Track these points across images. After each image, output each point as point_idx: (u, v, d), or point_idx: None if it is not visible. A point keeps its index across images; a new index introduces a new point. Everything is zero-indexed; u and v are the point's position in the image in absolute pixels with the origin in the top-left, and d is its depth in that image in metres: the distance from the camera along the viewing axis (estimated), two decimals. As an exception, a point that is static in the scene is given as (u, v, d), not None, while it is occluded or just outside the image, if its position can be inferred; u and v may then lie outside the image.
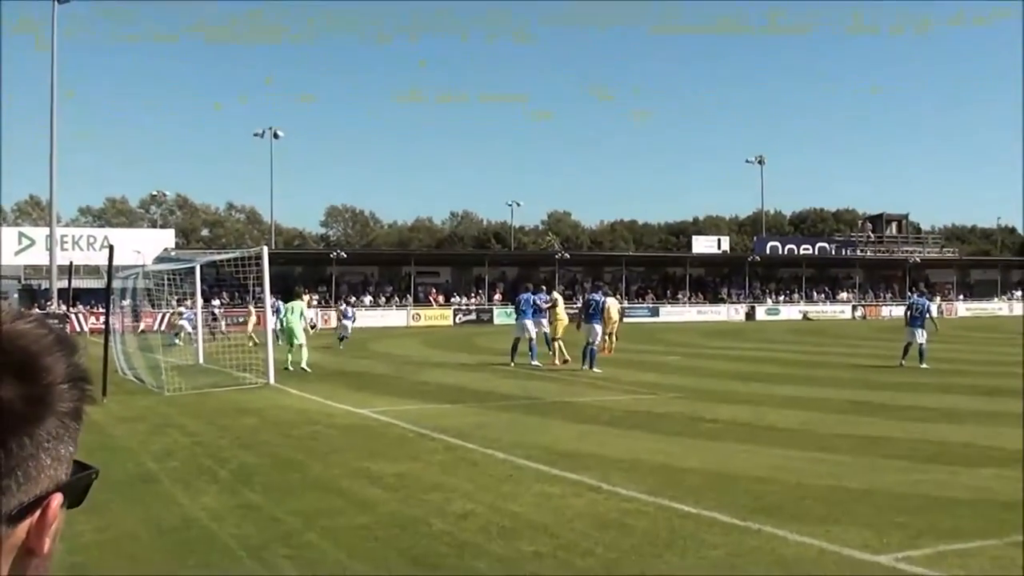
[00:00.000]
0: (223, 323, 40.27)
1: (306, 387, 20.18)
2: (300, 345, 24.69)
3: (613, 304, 27.70)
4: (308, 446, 12.36)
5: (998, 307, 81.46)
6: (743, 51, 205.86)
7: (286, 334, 25.70)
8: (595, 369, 23.40)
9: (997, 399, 16.96)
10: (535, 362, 25.46)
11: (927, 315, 25.34)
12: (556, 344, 26.38)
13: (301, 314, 25.58)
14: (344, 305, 45.47)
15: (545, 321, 27.11)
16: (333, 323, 60.94)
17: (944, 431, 13.20)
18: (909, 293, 35.75)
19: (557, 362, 25.72)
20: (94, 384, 1.18)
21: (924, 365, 23.98)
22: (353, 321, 40.46)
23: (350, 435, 13.34)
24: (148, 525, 8.18)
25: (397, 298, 69.70)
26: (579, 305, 27.48)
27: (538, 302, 27.39)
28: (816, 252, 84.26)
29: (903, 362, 24.75)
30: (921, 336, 24.83)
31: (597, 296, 25.34)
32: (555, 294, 28.71)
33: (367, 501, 9.03)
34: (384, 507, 8.75)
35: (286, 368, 22.94)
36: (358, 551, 7.26)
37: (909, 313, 25.99)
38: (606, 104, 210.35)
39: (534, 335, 26.31)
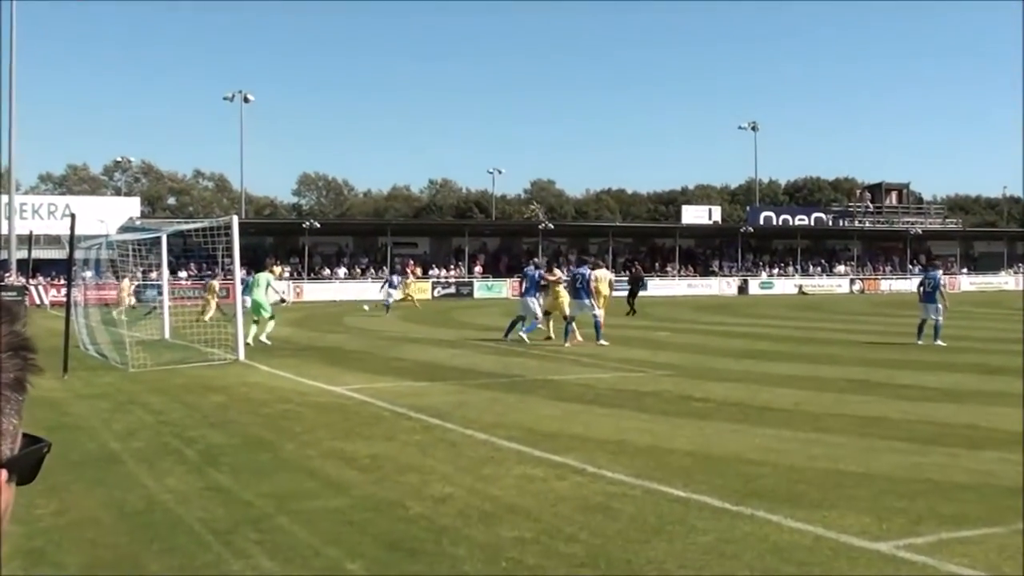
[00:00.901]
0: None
1: (277, 363, 20.14)
2: (267, 318, 25.03)
3: (603, 276, 27.58)
4: (279, 425, 12.33)
5: (1003, 281, 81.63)
6: (736, 12, 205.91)
7: (252, 308, 25.68)
8: (601, 342, 23.72)
9: (1000, 378, 17.00)
10: (524, 335, 25.44)
11: (941, 289, 25.14)
12: (549, 321, 26.27)
13: (268, 286, 25.59)
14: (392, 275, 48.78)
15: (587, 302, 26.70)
16: (307, 296, 61.05)
17: (945, 411, 13.21)
18: (921, 267, 35.75)
19: (568, 342, 24.70)
20: (37, 353, 1.13)
21: (939, 342, 23.96)
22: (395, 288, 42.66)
23: (323, 414, 13.31)
24: (110, 508, 8.13)
25: (373, 270, 69.59)
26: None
27: (541, 276, 27.37)
28: (812, 223, 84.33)
29: (919, 340, 24.61)
30: (936, 312, 24.71)
31: (583, 270, 25.34)
32: (557, 271, 28.09)
33: (341, 483, 9.00)
34: (359, 489, 8.72)
35: (248, 344, 22.84)
36: (331, 535, 7.23)
37: (922, 288, 25.74)
38: (591, 68, 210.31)
39: (540, 314, 26.03)
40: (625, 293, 42.24)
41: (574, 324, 25.12)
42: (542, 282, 26.75)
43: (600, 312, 24.72)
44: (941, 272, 26.08)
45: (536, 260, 31.05)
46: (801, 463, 9.71)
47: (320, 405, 14.19)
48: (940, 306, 24.64)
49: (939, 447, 10.56)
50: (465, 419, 12.60)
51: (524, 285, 27.16)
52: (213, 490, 8.74)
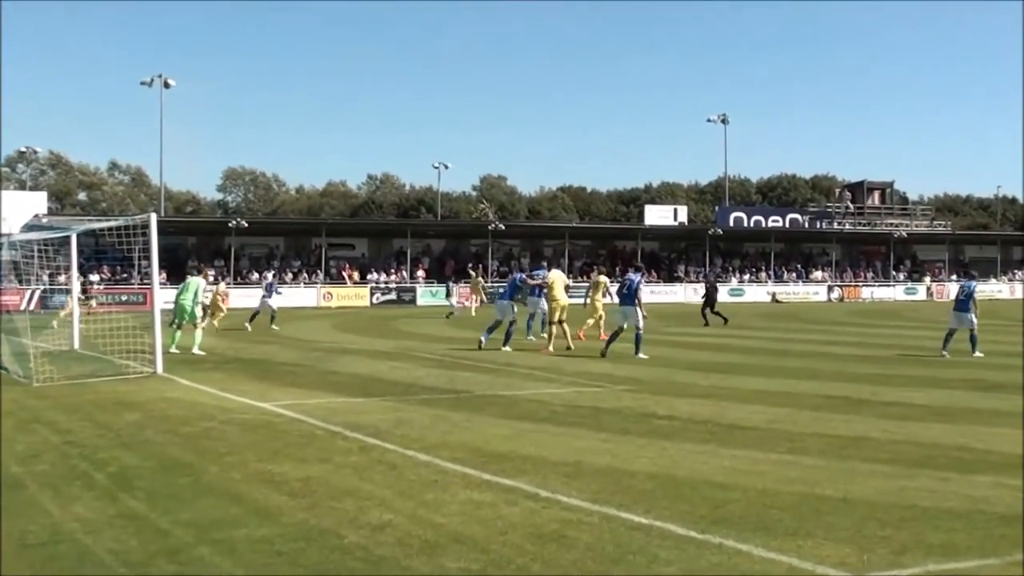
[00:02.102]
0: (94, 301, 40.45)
1: (199, 377, 20.00)
2: (195, 326, 25.80)
3: (559, 278, 28.08)
4: (201, 445, 12.23)
5: (996, 289, 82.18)
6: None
7: (177, 314, 26.07)
8: (641, 355, 24.09)
9: (995, 395, 17.22)
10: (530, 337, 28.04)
11: (975, 298, 25.73)
12: (552, 328, 27.44)
13: (196, 293, 25.95)
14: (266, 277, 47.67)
15: (542, 301, 28.99)
16: (234, 302, 60.58)
17: (934, 431, 13.31)
18: (959, 275, 36.36)
19: (551, 347, 26.67)
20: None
21: (978, 354, 24.48)
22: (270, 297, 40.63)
23: (250, 433, 13.21)
24: (10, 539, 8.01)
25: (306, 274, 69.32)
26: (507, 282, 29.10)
27: (521, 280, 29.80)
28: (787, 224, 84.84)
29: (945, 352, 25.00)
30: (970, 322, 25.21)
31: (635, 276, 26.20)
32: (550, 272, 28.97)
33: (269, 509, 8.93)
34: (289, 517, 8.66)
35: (172, 351, 22.77)
36: (258, 567, 7.17)
37: (957, 296, 26.43)
38: (545, 53, 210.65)
39: (514, 318, 28.00)
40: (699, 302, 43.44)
41: (557, 330, 26.82)
42: (531, 283, 29.10)
43: (641, 324, 25.15)
44: (976, 282, 26.62)
45: (521, 265, 33.53)
46: (774, 487, 9.75)
47: (246, 423, 14.09)
48: (973, 316, 25.10)
49: (927, 470, 10.61)
50: (406, 439, 12.56)
51: (506, 289, 29.28)
52: (126, 518, 8.63)
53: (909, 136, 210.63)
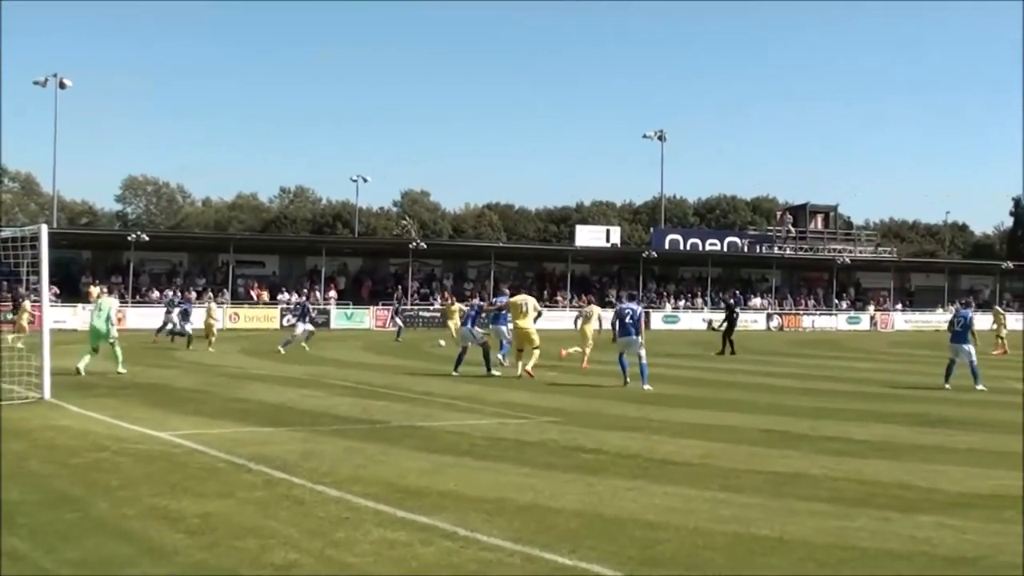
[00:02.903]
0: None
1: (91, 403, 19.74)
2: (112, 345, 26.49)
3: (529, 302, 29.29)
4: (91, 478, 12.05)
5: (943, 319, 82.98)
6: (645, 7, 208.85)
7: (91, 336, 26.48)
8: (647, 386, 24.37)
9: (939, 431, 17.46)
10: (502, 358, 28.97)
11: (972, 329, 26.48)
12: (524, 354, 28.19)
13: (108, 316, 26.77)
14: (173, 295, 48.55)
15: (505, 328, 29.92)
16: (131, 322, 59.97)
17: (875, 468, 13.45)
18: (961, 304, 37.04)
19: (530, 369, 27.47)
20: None
21: (980, 387, 25.04)
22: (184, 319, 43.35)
23: (145, 465, 13.05)
24: None
25: (212, 293, 68.69)
26: (438, 307, 30.05)
27: (478, 308, 31.37)
28: (725, 248, 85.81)
29: (947, 384, 25.55)
30: (968, 354, 25.90)
31: (632, 305, 26.94)
32: (515, 298, 30.09)
33: (164, 549, 8.83)
34: (185, 557, 8.56)
35: (77, 373, 22.68)
36: (149, 613, 7.08)
37: (953, 327, 27.14)
38: (473, 60, 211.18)
39: (477, 342, 28.90)
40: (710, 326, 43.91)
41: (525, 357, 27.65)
42: (483, 314, 30.65)
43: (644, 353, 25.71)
44: (972, 311, 27.32)
45: (504, 287, 35.87)
46: (707, 526, 9.81)
47: (142, 454, 13.91)
48: (972, 347, 25.66)
49: (867, 509, 10.73)
50: (315, 473, 12.48)
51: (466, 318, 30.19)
52: (7, 557, 8.48)
53: (855, 159, 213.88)
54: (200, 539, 9.15)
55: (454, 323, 42.81)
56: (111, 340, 26.61)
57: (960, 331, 26.36)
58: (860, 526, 9.94)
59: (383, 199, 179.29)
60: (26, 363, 21.72)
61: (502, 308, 29.64)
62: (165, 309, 46.97)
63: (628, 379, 25.18)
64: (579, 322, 32.31)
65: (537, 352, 27.58)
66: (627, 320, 26.00)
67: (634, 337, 25.71)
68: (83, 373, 25.16)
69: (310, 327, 41.15)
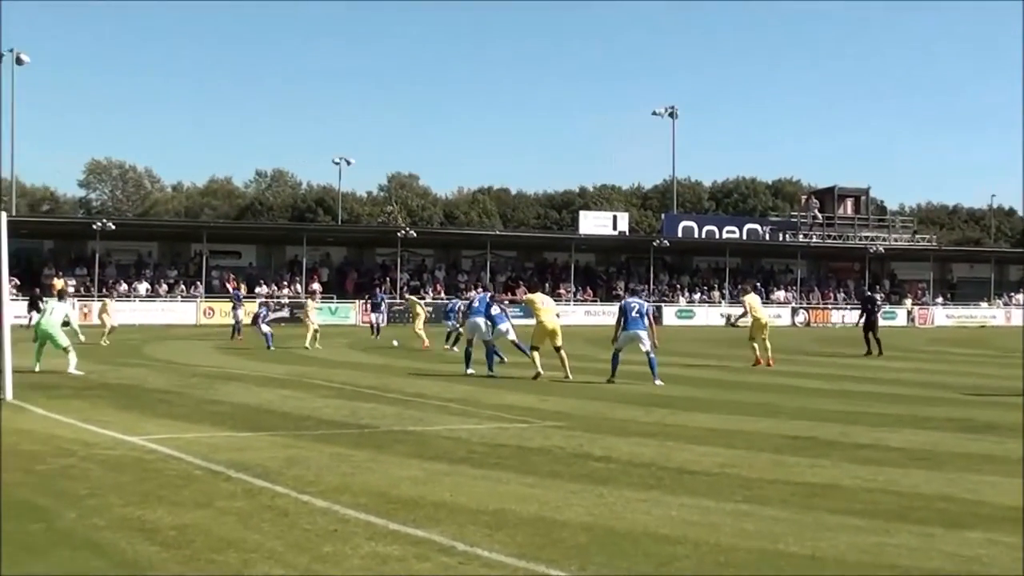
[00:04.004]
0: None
1: (56, 405, 19.77)
2: (64, 349, 26.72)
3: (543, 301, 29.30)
4: (57, 486, 12.08)
5: (990, 314, 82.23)
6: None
7: (39, 336, 26.62)
8: (658, 382, 25.50)
9: (986, 437, 17.24)
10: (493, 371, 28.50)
11: None
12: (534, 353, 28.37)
13: (66, 320, 27.45)
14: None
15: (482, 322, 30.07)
16: (97, 317, 59.98)
17: (914, 479, 13.29)
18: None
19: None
20: None
21: None
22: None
23: (115, 472, 13.07)
24: None
25: (183, 286, 68.80)
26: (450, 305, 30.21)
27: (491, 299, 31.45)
28: (744, 236, 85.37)
29: None
30: None
31: (636, 299, 27.67)
32: (534, 294, 30.22)
33: (137, 562, 8.84)
34: (161, 570, 8.59)
35: (34, 370, 22.76)
36: (124, 632, 7.11)
37: None
38: (465, 30, 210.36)
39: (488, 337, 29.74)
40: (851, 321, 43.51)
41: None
42: (494, 308, 30.57)
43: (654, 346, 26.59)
44: None
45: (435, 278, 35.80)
46: (729, 541, 9.77)
47: (112, 460, 13.93)
48: None
49: (907, 524, 10.59)
50: (300, 481, 12.49)
51: (471, 310, 30.54)
52: (-35, 572, 8.53)
53: (888, 136, 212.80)
54: (177, 552, 9.15)
55: (419, 320, 42.89)
56: (64, 347, 26.80)
57: None
58: (899, 542, 9.82)
59: (368, 183, 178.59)
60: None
61: (518, 302, 29.88)
62: (232, 305, 47.52)
63: (616, 377, 25.96)
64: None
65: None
66: (634, 313, 26.43)
67: (642, 330, 26.17)
68: (38, 369, 25.75)
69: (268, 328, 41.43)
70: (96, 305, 61.36)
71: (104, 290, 59.03)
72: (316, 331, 41.59)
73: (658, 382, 25.21)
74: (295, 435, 16.62)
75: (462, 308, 39.72)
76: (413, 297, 50.47)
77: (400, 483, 12.48)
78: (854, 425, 18.56)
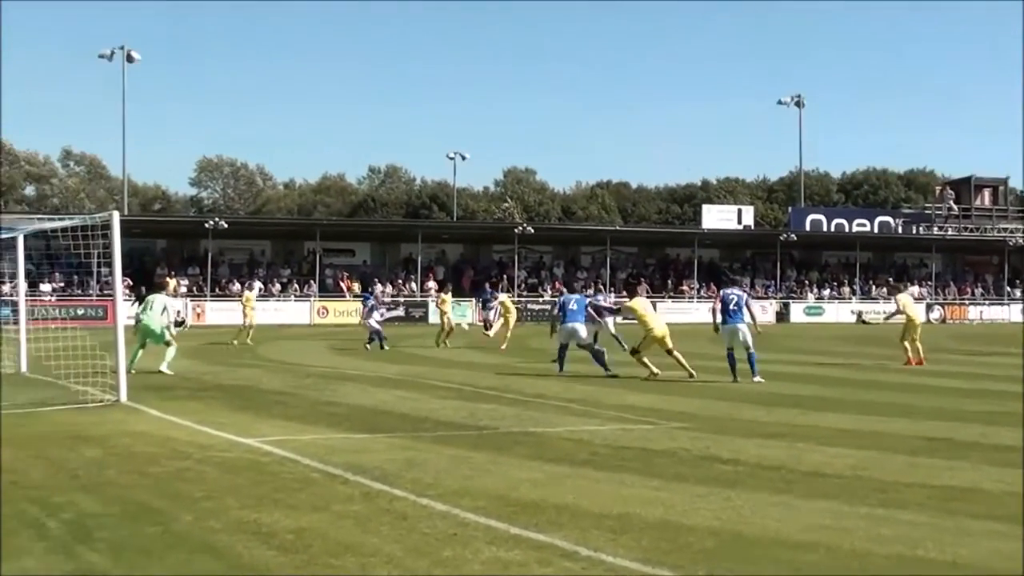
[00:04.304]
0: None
1: (171, 407, 20.05)
2: (166, 342, 27.05)
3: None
4: (173, 489, 12.23)
5: None
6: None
7: (140, 334, 26.76)
8: (757, 378, 25.65)
9: None
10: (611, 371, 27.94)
11: None
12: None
13: (164, 309, 26.79)
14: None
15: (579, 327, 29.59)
16: (210, 318, 60.86)
17: (1067, 481, 13.01)
18: None
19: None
20: None
21: None
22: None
23: (231, 474, 13.22)
24: (-53, 598, 8.04)
25: (296, 285, 69.50)
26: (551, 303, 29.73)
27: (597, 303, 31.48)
28: (876, 229, 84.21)
29: None
30: None
31: (736, 291, 27.61)
32: (636, 301, 29.76)
33: (255, 566, 8.93)
34: (278, 574, 8.66)
35: (131, 371, 23.04)
36: (242, 637, 7.16)
37: None
38: (580, 18, 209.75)
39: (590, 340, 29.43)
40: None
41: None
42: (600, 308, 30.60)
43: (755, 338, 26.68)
44: None
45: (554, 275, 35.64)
46: (864, 547, 9.63)
47: (227, 463, 14.10)
48: None
49: (1056, 531, 10.38)
50: (418, 484, 12.52)
51: (565, 313, 29.51)
52: (85, 574, 8.65)
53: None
54: (294, 557, 9.23)
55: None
56: (166, 340, 27.17)
57: None
58: (1053, 550, 9.64)
59: (484, 178, 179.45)
60: (99, 362, 22.11)
61: (617, 311, 29.60)
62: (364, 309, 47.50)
63: (738, 376, 25.70)
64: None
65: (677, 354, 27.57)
66: (732, 305, 26.41)
67: (742, 323, 26.23)
68: (134, 371, 25.18)
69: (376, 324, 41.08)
70: (209, 304, 62.50)
71: (242, 287, 59.32)
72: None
73: (757, 379, 25.28)
74: (413, 437, 16.71)
75: (499, 301, 41.25)
76: (504, 296, 50.25)
77: (521, 486, 12.48)
78: (994, 426, 18.12)
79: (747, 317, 26.52)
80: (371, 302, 42.26)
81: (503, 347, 39.13)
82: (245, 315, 44.00)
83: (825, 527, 10.40)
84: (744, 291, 27.61)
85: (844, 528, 10.37)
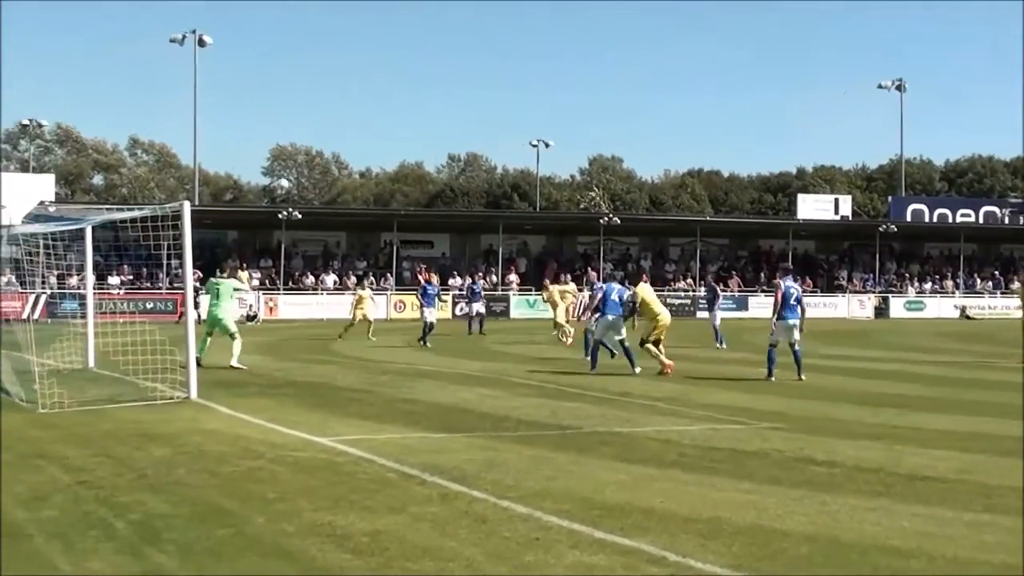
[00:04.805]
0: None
1: (242, 404, 20.23)
2: (232, 335, 27.31)
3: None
4: (245, 489, 12.34)
5: None
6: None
7: (208, 323, 27.06)
8: (802, 376, 25.61)
9: None
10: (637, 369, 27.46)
11: None
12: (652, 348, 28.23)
13: (233, 295, 27.04)
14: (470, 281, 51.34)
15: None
16: (283, 312, 61.24)
17: None
18: None
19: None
20: None
21: None
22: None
23: (305, 475, 13.31)
24: (13, 600, 8.14)
25: (373, 278, 69.73)
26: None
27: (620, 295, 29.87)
28: (981, 219, 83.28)
29: None
30: None
31: (792, 282, 27.14)
32: (641, 287, 29.52)
33: (329, 569, 9.00)
34: (353, 580, 8.71)
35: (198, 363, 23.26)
36: (315, 643, 7.21)
37: None
38: (668, 7, 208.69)
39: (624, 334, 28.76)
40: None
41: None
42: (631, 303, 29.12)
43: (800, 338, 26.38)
44: None
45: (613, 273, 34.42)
46: (968, 555, 9.57)
47: (301, 463, 14.19)
48: None
49: None
50: (499, 485, 12.56)
51: (606, 305, 28.88)
52: (152, 575, 8.75)
53: None
54: (369, 560, 9.28)
55: (560, 311, 41.78)
56: (231, 332, 27.53)
57: None
58: None
59: (568, 167, 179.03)
60: (169, 358, 22.30)
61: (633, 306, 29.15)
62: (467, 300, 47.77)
63: (774, 375, 25.70)
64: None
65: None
66: (793, 300, 26.26)
67: (796, 320, 26.10)
68: (201, 363, 24.76)
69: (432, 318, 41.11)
70: (282, 298, 62.83)
71: (359, 281, 59.43)
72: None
73: (802, 377, 25.29)
74: (493, 436, 16.74)
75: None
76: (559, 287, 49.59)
77: (605, 488, 12.47)
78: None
79: (801, 312, 26.32)
80: (432, 291, 42.34)
81: (569, 341, 38.91)
82: (358, 312, 43.53)
83: (926, 533, 10.31)
84: (799, 285, 27.41)
85: (946, 535, 10.28)
